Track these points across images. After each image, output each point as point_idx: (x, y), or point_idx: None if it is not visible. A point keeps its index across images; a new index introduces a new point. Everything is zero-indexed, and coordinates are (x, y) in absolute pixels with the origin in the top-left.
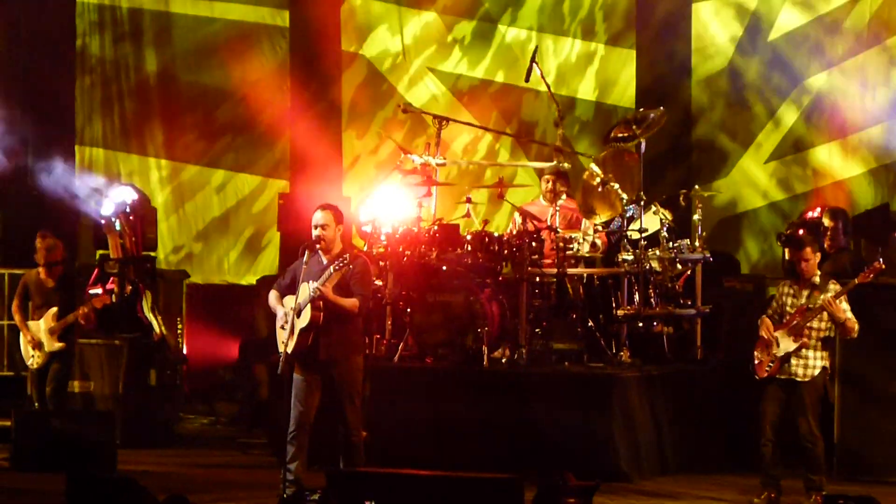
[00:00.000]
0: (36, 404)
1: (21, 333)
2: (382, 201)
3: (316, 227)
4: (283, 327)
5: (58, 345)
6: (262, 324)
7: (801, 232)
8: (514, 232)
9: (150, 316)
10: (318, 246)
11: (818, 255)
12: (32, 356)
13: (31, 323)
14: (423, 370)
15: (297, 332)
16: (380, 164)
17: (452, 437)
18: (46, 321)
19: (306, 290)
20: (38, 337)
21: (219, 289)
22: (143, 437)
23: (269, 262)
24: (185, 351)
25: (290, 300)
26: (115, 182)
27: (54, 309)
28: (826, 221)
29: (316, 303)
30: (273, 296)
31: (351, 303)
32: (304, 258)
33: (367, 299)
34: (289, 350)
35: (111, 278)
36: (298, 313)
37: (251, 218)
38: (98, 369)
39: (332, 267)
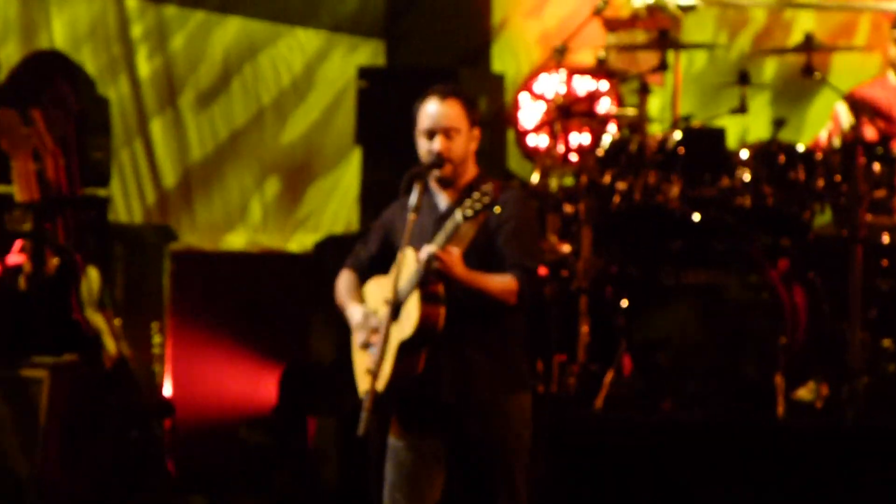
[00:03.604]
0: None
1: None
2: (571, 85)
3: (433, 132)
4: (366, 344)
5: None
6: (327, 333)
7: None
8: (837, 142)
9: (97, 318)
10: (436, 171)
11: None
12: None
13: None
14: (654, 427)
15: (394, 349)
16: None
17: None
18: None
19: (412, 261)
20: None
21: (239, 262)
22: None
23: (340, 208)
24: (168, 390)
25: (378, 287)
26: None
27: None
28: None
29: (431, 287)
30: (346, 281)
31: (501, 283)
32: (414, 199)
33: (532, 274)
34: (379, 388)
35: (18, 242)
36: (396, 311)
37: (305, 117)
38: None
39: (459, 211)
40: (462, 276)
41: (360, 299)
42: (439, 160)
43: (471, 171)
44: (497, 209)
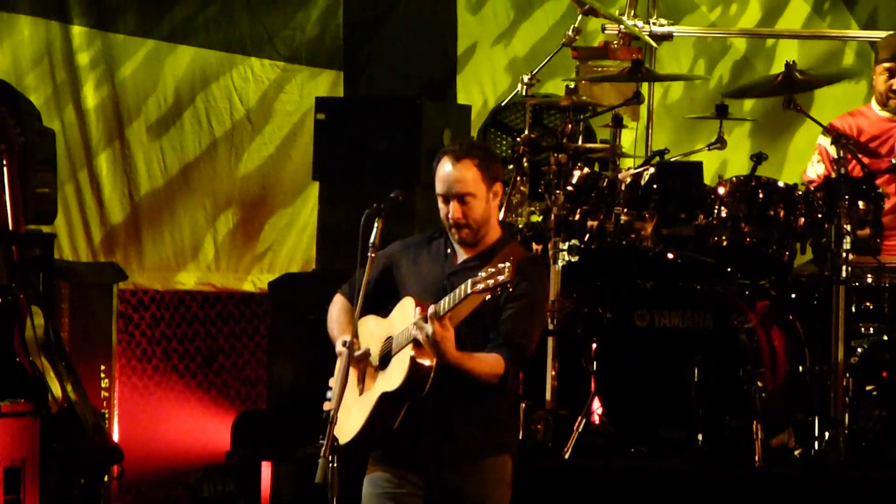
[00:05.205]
0: None
1: None
2: (537, 118)
3: (447, 198)
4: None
5: None
6: (283, 376)
7: None
8: (818, 177)
9: (41, 362)
10: (458, 235)
11: None
12: None
13: None
14: (626, 476)
15: (375, 397)
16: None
17: None
18: None
19: (410, 311)
20: None
21: (190, 302)
22: None
23: (296, 246)
24: (116, 436)
25: (376, 327)
26: None
27: None
28: None
29: (424, 351)
30: (339, 309)
31: (488, 367)
32: (373, 237)
33: (523, 353)
34: (355, 431)
35: None
36: (385, 360)
37: (260, 151)
38: None
39: (470, 283)
40: (452, 360)
41: (349, 331)
42: (396, 197)
43: (494, 230)
44: (510, 288)
